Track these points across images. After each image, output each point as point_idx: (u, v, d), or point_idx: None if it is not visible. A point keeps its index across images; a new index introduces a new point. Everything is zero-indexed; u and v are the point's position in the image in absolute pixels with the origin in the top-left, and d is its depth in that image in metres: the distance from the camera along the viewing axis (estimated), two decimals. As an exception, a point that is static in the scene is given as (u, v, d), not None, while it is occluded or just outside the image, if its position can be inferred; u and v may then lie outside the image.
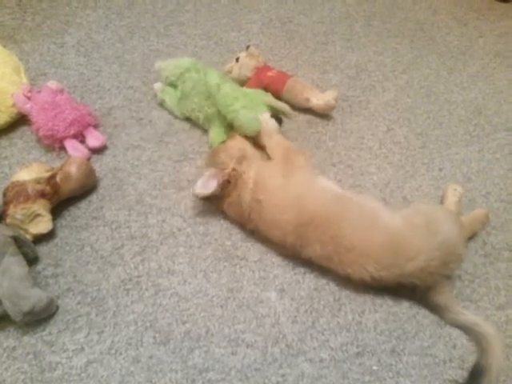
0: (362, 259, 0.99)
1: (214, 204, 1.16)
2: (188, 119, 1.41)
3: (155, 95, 1.46)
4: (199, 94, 1.34)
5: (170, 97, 1.42)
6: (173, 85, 1.42)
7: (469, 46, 1.80)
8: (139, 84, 1.52)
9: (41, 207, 1.09)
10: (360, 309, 1.05)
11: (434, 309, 1.04)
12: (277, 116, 1.29)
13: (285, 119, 1.33)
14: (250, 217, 1.09)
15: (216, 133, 1.32)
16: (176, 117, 1.42)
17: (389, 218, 1.03)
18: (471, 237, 1.17)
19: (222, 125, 1.31)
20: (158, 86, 1.46)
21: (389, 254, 0.98)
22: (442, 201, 1.24)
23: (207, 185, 1.11)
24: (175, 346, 0.98)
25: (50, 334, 0.98)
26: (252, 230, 1.13)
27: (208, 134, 1.35)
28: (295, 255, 1.09)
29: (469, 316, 1.00)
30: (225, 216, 1.19)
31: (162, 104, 1.45)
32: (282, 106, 1.32)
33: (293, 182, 1.08)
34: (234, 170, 1.12)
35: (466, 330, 1.01)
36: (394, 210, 1.08)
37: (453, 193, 1.21)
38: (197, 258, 1.12)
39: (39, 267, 1.08)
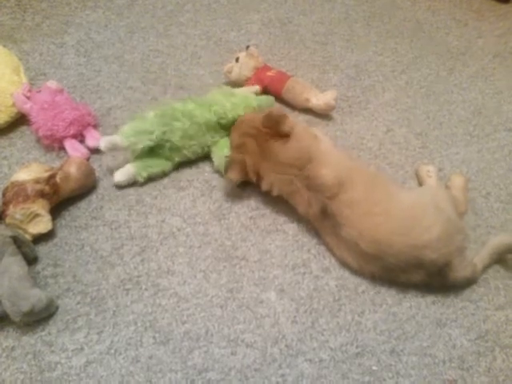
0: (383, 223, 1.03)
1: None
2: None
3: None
4: (194, 137, 1.24)
5: (153, 167, 1.24)
6: (143, 150, 1.22)
7: (468, 46, 1.80)
8: (139, 84, 1.52)
9: (40, 207, 1.09)
10: (359, 309, 1.05)
11: (464, 283, 1.08)
12: None
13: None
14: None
15: (225, 143, 1.27)
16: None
17: (402, 195, 1.11)
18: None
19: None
20: (122, 174, 1.22)
21: (406, 223, 1.03)
22: (419, 183, 1.29)
23: None
24: (175, 346, 0.98)
25: (50, 333, 0.98)
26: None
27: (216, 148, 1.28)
28: (317, 214, 1.10)
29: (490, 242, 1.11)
30: (226, 214, 1.19)
31: (147, 179, 1.24)
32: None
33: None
34: None
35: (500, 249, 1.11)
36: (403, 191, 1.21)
37: (427, 174, 1.27)
38: (196, 258, 1.12)
39: (39, 267, 1.08)
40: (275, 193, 1.16)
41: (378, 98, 1.55)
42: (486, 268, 1.10)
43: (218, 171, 1.28)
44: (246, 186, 1.26)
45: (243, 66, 1.47)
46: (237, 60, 1.48)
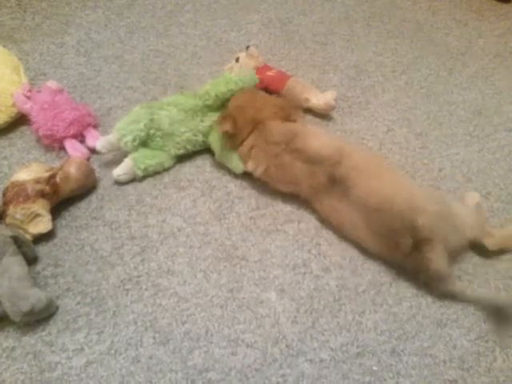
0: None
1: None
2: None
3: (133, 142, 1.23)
4: (183, 122, 1.26)
5: (150, 159, 1.24)
6: (139, 144, 1.24)
7: (468, 46, 1.80)
8: (139, 84, 1.52)
9: (40, 207, 1.09)
10: (360, 309, 1.05)
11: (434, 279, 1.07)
12: None
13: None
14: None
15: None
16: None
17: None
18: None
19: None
20: (121, 169, 1.23)
21: (409, 191, 1.08)
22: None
23: None
24: (175, 346, 0.98)
25: (50, 334, 0.98)
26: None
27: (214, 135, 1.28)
28: (324, 183, 1.13)
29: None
30: (226, 214, 1.19)
31: (145, 172, 1.25)
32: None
33: None
34: None
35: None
36: None
37: (472, 197, 1.25)
38: (197, 258, 1.12)
39: (39, 267, 1.08)
40: (259, 171, 1.20)
41: (378, 98, 1.55)
42: (463, 295, 1.07)
43: (219, 163, 1.29)
44: (244, 186, 1.26)
45: (243, 66, 1.47)
46: (237, 60, 1.48)
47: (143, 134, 1.23)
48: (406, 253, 1.05)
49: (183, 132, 1.27)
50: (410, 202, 1.05)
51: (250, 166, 1.22)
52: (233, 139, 1.22)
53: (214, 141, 1.28)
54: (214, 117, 1.29)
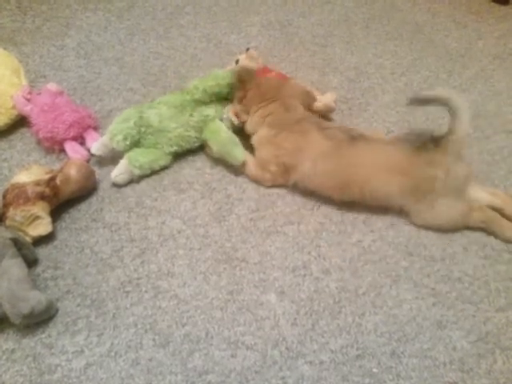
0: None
1: None
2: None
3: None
4: (173, 118, 1.27)
5: (145, 157, 1.25)
6: (132, 143, 1.25)
7: (468, 48, 1.80)
8: (139, 86, 1.52)
9: (40, 209, 1.09)
10: (360, 311, 1.05)
11: None
12: None
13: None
14: None
15: (216, 126, 1.30)
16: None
17: None
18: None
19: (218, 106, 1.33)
20: (117, 170, 1.24)
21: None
22: None
23: None
24: (175, 348, 0.98)
25: (50, 336, 0.98)
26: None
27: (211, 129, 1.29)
28: (345, 140, 1.20)
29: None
30: (226, 216, 1.19)
31: (142, 170, 1.25)
32: None
33: None
34: None
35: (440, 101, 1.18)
36: None
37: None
38: (196, 260, 1.12)
39: (39, 269, 1.08)
40: (272, 134, 1.25)
41: (377, 99, 1.55)
42: None
43: (218, 157, 1.29)
44: (244, 188, 1.26)
45: (243, 68, 1.47)
46: (237, 62, 1.48)
47: (134, 131, 1.24)
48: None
49: (174, 128, 1.27)
50: None
51: (263, 130, 1.27)
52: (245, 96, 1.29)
53: (211, 135, 1.28)
54: (203, 111, 1.30)
